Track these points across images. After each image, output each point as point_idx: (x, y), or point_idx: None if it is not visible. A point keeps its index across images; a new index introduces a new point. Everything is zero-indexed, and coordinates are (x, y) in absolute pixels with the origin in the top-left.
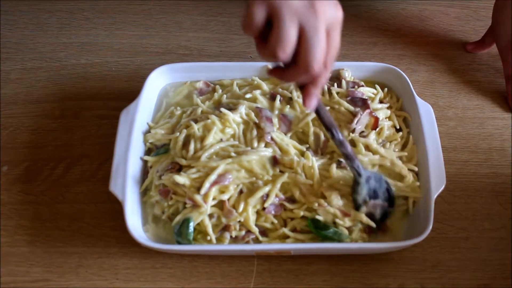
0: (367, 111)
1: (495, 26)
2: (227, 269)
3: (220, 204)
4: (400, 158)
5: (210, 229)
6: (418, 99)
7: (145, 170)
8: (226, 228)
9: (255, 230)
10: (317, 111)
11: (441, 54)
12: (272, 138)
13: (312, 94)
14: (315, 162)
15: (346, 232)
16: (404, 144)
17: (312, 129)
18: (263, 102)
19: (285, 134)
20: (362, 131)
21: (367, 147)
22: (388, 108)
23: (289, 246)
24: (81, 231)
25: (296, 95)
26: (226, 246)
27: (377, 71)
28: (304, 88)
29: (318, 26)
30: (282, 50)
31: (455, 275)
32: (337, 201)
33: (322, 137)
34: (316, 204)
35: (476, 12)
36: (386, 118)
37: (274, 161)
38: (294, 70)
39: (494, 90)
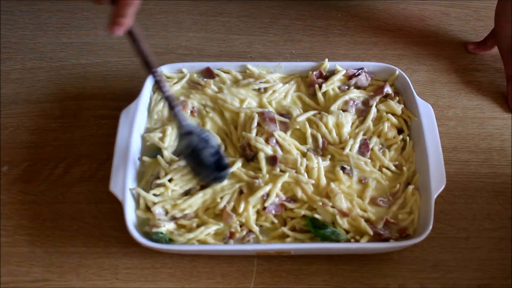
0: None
1: (497, 29)
2: (227, 269)
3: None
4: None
5: (211, 240)
6: (418, 99)
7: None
8: (231, 236)
9: (256, 229)
10: (132, 39)
11: (441, 54)
12: (275, 140)
13: None
14: (321, 163)
15: (343, 232)
16: (404, 147)
17: (309, 131)
18: (253, 99)
19: (285, 132)
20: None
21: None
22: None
23: (289, 246)
24: (81, 231)
25: (292, 89)
26: (226, 246)
27: (377, 71)
28: None
29: None
30: None
31: (455, 275)
32: (340, 203)
33: (320, 139)
34: (320, 203)
35: (476, 12)
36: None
37: (273, 160)
38: None
39: (494, 90)
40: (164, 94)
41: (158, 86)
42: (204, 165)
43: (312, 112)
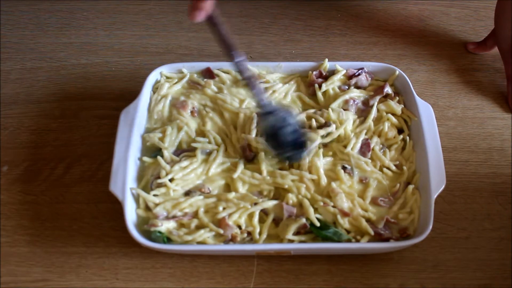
0: (364, 71)
1: (497, 30)
2: (227, 269)
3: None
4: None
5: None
6: (418, 99)
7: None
8: (232, 239)
9: (259, 238)
10: (212, 23)
11: (441, 54)
12: None
13: None
14: (321, 160)
15: (345, 232)
16: (404, 147)
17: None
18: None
19: None
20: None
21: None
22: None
23: (289, 246)
24: (81, 231)
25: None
26: (226, 246)
27: (377, 71)
28: None
29: None
30: None
31: (455, 275)
32: (341, 202)
33: (320, 118)
34: (321, 203)
35: (476, 12)
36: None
37: None
38: None
39: (494, 90)
40: (244, 75)
41: (238, 68)
42: (283, 144)
43: (312, 110)
